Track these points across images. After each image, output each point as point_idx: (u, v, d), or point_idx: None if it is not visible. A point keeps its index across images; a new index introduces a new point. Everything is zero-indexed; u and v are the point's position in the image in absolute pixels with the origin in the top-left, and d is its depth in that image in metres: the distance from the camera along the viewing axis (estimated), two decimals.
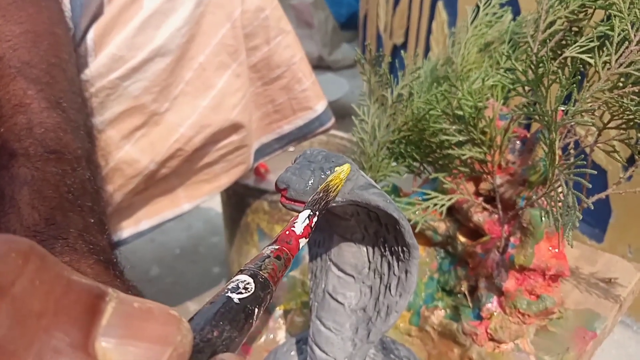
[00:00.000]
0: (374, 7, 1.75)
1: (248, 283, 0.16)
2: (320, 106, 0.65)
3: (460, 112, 0.38)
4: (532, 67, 0.34)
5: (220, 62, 0.56)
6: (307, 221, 0.21)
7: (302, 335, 0.39)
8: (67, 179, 0.33)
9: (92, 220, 0.33)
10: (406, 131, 0.43)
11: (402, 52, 0.49)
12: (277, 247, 0.19)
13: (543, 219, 0.36)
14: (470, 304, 0.40)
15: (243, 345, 0.42)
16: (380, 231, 0.29)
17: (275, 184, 0.27)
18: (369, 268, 0.30)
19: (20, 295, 0.11)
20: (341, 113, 1.80)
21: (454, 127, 0.39)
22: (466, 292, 0.40)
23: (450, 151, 0.39)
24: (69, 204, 0.32)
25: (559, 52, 0.43)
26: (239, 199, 0.78)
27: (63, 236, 0.29)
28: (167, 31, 0.52)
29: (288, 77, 0.62)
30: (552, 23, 0.41)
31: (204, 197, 0.61)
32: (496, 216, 0.41)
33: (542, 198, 0.38)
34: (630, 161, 0.38)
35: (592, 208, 0.32)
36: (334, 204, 0.26)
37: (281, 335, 0.43)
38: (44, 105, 0.36)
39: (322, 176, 0.26)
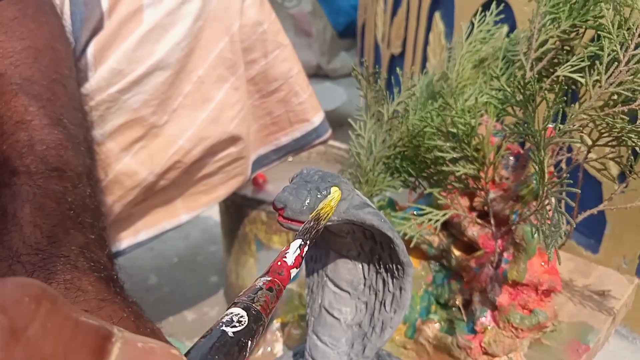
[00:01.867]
0: (372, 16, 1.76)
1: (241, 316, 0.16)
2: (317, 118, 0.66)
3: (454, 130, 0.39)
4: (520, 87, 0.35)
5: (219, 76, 0.57)
6: (298, 251, 0.21)
7: (298, 348, 0.40)
8: (69, 196, 0.34)
9: (93, 237, 0.33)
10: (402, 147, 0.43)
11: (397, 68, 0.50)
12: (269, 278, 0.19)
13: (534, 235, 0.37)
14: (465, 318, 0.41)
15: None
16: (375, 249, 0.30)
17: (273, 204, 0.27)
18: (365, 284, 0.31)
19: (33, 339, 0.11)
20: (339, 122, 1.82)
21: (448, 144, 0.39)
22: (460, 306, 0.41)
23: (444, 168, 0.39)
24: (70, 221, 0.32)
25: (552, 71, 0.44)
26: (237, 209, 0.79)
27: (65, 254, 0.30)
28: (166, 45, 0.53)
29: (285, 90, 0.63)
30: (544, 42, 0.42)
31: (202, 208, 0.62)
32: (490, 231, 0.42)
33: (534, 215, 0.38)
34: (622, 177, 0.39)
35: (575, 227, 0.32)
36: (329, 223, 0.27)
37: (278, 348, 0.43)
38: (45, 122, 0.37)
39: (319, 196, 0.27)
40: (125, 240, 0.58)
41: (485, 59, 0.52)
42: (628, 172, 0.37)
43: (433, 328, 0.42)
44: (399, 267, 0.29)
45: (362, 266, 0.31)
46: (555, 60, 0.43)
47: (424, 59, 1.35)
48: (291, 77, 0.63)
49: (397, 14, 1.50)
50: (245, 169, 0.63)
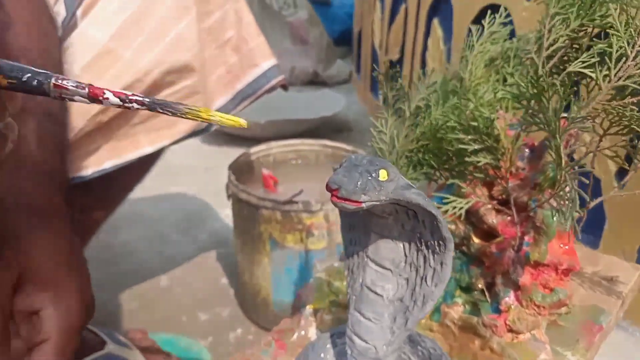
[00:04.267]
0: (369, 23, 1.80)
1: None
2: (266, 64, 0.70)
3: (475, 123, 0.41)
4: (533, 82, 0.38)
5: (178, 14, 0.62)
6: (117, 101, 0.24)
7: (334, 330, 0.42)
8: None
9: None
10: (424, 140, 0.46)
11: (395, 68, 0.52)
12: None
13: (554, 218, 0.40)
14: (489, 299, 0.43)
15: (278, 342, 0.44)
16: (417, 227, 0.32)
17: (327, 185, 0.30)
18: (405, 262, 0.34)
19: None
20: (339, 127, 1.84)
21: (469, 137, 0.42)
22: (484, 288, 0.44)
23: (467, 159, 0.42)
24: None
25: (562, 67, 0.47)
26: (252, 209, 0.81)
27: None
28: None
29: (237, 39, 0.68)
30: (554, 41, 0.45)
31: (164, 141, 0.65)
32: (508, 218, 0.45)
33: (552, 199, 0.41)
34: (620, 175, 0.42)
35: (584, 215, 0.36)
36: (377, 203, 0.30)
37: (312, 332, 0.45)
38: None
39: (369, 177, 0.29)
40: (91, 168, 0.62)
41: (495, 58, 0.55)
42: (637, 159, 0.40)
43: (458, 310, 0.45)
44: (440, 242, 0.31)
45: (403, 245, 0.33)
46: (565, 58, 0.46)
47: (423, 64, 1.39)
48: (242, 27, 0.68)
49: (395, 21, 1.54)
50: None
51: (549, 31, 0.46)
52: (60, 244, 0.37)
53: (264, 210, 0.80)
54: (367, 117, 1.84)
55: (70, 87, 0.23)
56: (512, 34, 0.55)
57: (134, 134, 0.62)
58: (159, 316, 0.93)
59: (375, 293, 0.35)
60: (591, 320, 0.47)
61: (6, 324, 0.30)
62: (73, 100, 0.24)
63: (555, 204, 0.40)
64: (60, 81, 0.23)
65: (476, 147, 0.42)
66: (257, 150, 0.97)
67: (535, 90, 0.37)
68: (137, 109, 0.24)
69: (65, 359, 0.33)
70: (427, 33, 1.37)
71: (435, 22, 1.31)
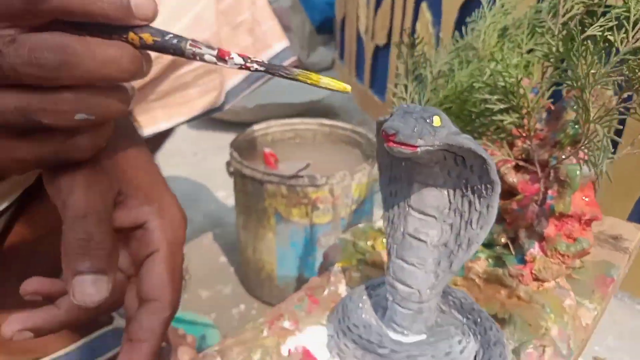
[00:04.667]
0: (353, 9, 1.81)
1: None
2: (279, 45, 0.71)
3: (502, 83, 0.43)
4: (562, 41, 0.40)
5: None
6: (241, 61, 0.27)
7: (368, 283, 0.44)
8: None
9: None
10: (448, 104, 0.48)
11: (415, 36, 0.54)
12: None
13: (578, 172, 0.42)
14: (513, 252, 0.46)
15: (311, 297, 0.46)
16: (463, 173, 0.34)
17: (384, 130, 0.31)
18: (450, 208, 0.35)
19: None
20: (324, 112, 1.85)
21: (495, 97, 0.44)
22: (508, 242, 0.46)
23: (494, 117, 0.44)
24: None
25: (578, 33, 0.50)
26: (256, 184, 0.82)
27: None
28: None
29: (251, 20, 0.69)
30: (570, 8, 0.48)
31: (181, 118, 0.65)
32: (528, 177, 0.47)
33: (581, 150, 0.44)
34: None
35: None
36: (430, 148, 0.31)
37: (342, 289, 0.47)
38: None
39: (425, 123, 0.31)
40: None
41: (507, 28, 0.57)
42: None
43: (482, 264, 0.47)
44: (488, 186, 0.33)
45: (448, 191, 0.35)
46: (579, 26, 0.48)
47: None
48: (255, 9, 0.69)
49: (382, 6, 1.56)
50: (219, 85, 0.66)
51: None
52: (151, 160, 0.37)
53: (269, 185, 0.81)
54: (352, 102, 1.85)
55: (202, 47, 0.26)
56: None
57: (151, 109, 0.62)
58: None
59: (419, 239, 0.36)
60: (603, 274, 0.49)
61: (114, 239, 0.30)
62: (203, 59, 0.26)
63: (578, 158, 0.43)
64: (194, 42, 0.26)
65: (502, 106, 0.44)
66: (256, 129, 0.98)
67: (564, 49, 0.39)
68: (256, 69, 0.27)
69: (175, 270, 0.33)
70: (416, 17, 1.39)
71: (424, 5, 1.34)
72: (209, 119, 1.63)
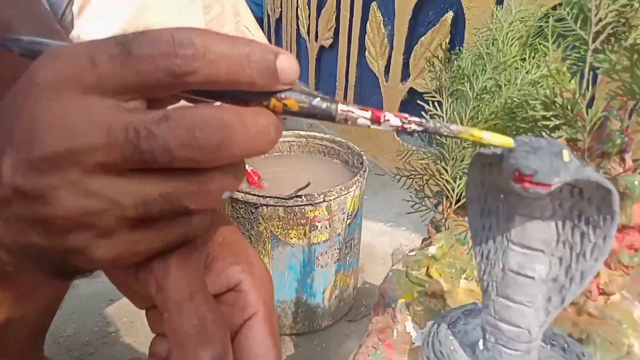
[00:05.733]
0: (291, 9, 1.77)
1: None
2: None
3: (558, 100, 0.43)
4: (627, 56, 0.40)
5: (185, 8, 0.63)
6: (398, 122, 0.23)
7: (446, 319, 0.41)
8: None
9: None
10: (495, 120, 0.47)
11: (454, 51, 0.52)
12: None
13: (637, 182, 0.42)
14: None
15: (384, 342, 0.43)
16: (577, 204, 0.32)
17: (518, 171, 0.28)
18: (558, 240, 0.34)
19: None
20: None
21: (550, 113, 0.43)
22: None
23: (552, 134, 0.43)
24: None
25: (612, 41, 0.50)
26: (250, 209, 0.77)
27: None
28: None
29: (235, 32, 0.70)
30: (604, 15, 0.48)
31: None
32: None
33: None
34: None
35: None
36: (559, 185, 0.29)
37: (409, 327, 0.44)
38: None
39: (556, 159, 0.29)
40: None
41: (524, 36, 0.57)
42: None
43: None
44: (607, 217, 0.32)
45: (556, 223, 0.33)
46: (612, 32, 0.49)
47: (362, 49, 1.39)
48: (238, 21, 0.71)
49: (325, 5, 1.53)
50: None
51: (597, 7, 0.48)
52: (221, 210, 0.33)
53: (264, 208, 0.76)
54: None
55: (355, 111, 0.23)
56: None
57: None
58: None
59: (526, 276, 0.34)
60: None
61: (222, 313, 0.26)
62: (356, 123, 0.23)
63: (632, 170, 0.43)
64: (346, 106, 0.23)
65: (557, 122, 0.43)
66: None
67: (627, 62, 0.39)
68: (414, 130, 0.24)
69: (276, 332, 0.30)
70: (365, 17, 1.38)
71: (374, 5, 1.33)
72: None
